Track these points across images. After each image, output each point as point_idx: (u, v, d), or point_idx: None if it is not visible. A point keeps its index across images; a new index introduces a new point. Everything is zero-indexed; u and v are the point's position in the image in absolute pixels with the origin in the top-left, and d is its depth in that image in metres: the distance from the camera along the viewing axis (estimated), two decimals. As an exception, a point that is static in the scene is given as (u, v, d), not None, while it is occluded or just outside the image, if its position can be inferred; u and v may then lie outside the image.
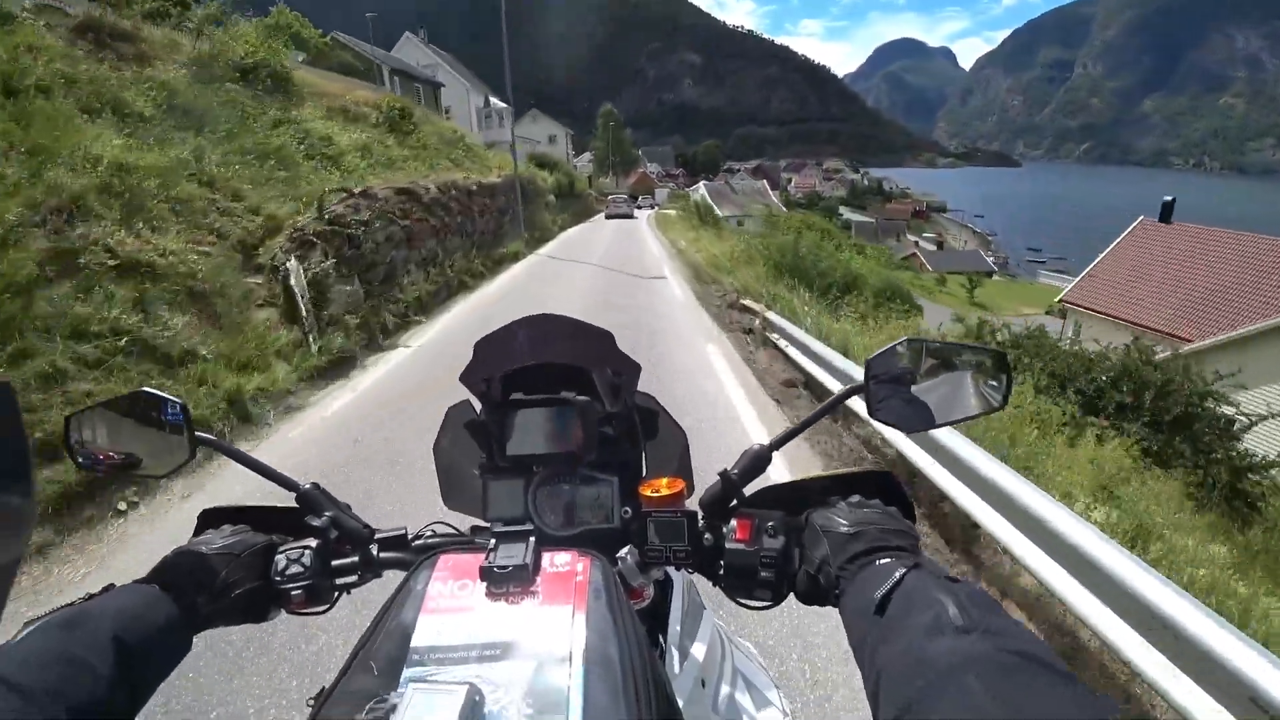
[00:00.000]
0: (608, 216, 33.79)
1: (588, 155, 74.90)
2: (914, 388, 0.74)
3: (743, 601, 0.71)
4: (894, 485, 0.70)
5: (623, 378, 0.83)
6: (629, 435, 0.85)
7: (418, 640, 0.52)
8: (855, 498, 0.67)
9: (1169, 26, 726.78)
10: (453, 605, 0.56)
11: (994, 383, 0.73)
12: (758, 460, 0.73)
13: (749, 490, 0.74)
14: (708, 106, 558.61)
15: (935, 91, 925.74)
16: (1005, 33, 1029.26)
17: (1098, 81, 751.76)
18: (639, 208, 45.00)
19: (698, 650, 0.90)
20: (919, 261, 58.14)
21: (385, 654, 0.51)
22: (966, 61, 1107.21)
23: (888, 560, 0.55)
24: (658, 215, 36.66)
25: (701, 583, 0.84)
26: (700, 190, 56.89)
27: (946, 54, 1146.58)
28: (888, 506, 0.66)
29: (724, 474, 0.73)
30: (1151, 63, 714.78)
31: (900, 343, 0.75)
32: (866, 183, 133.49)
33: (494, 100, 41.53)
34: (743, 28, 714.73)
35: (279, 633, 2.50)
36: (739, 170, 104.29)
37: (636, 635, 0.53)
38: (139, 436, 0.75)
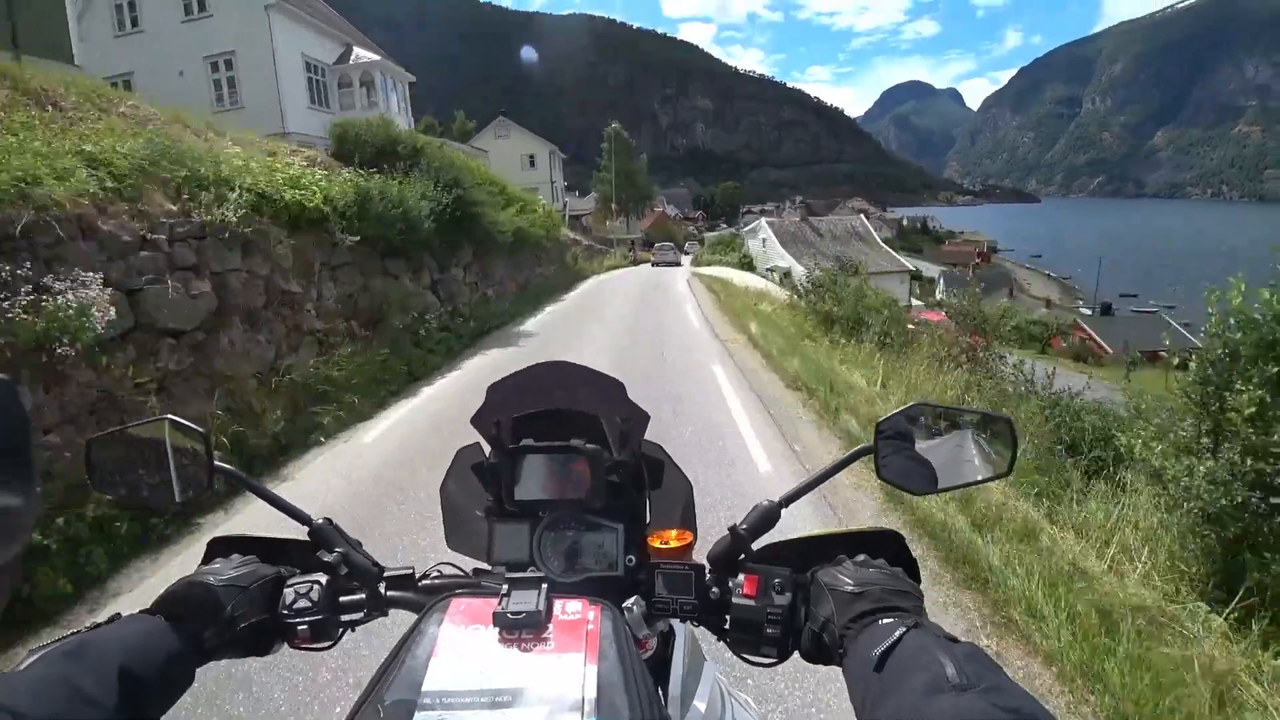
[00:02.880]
0: (654, 265, 33.51)
1: (593, 196, 59.17)
2: (921, 449, 0.74)
3: (747, 657, 0.70)
4: (900, 545, 0.69)
5: (631, 424, 0.83)
6: (635, 483, 0.84)
7: (430, 684, 0.51)
8: (861, 556, 0.67)
9: (1176, 60, 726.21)
10: (465, 650, 0.55)
11: (1000, 449, 0.74)
12: (767, 516, 0.73)
13: (757, 545, 0.73)
14: (722, 150, 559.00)
15: (943, 133, 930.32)
16: (1011, 72, 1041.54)
17: (1107, 116, 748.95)
18: (685, 253, 45.07)
19: (699, 703, 0.89)
20: (1092, 341, 33.71)
21: (397, 697, 0.50)
22: (974, 101, 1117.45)
23: (890, 620, 0.55)
24: (718, 297, 17.28)
25: (701, 636, 0.84)
26: (763, 232, 39.26)
27: (954, 95, 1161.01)
28: (893, 566, 0.65)
29: (733, 529, 0.73)
30: (1161, 96, 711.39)
31: (911, 406, 0.76)
32: (906, 222, 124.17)
33: (361, 52, 20.86)
34: (754, 73, 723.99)
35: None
36: (779, 208, 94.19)
37: (646, 687, 0.53)
38: (158, 464, 0.74)
